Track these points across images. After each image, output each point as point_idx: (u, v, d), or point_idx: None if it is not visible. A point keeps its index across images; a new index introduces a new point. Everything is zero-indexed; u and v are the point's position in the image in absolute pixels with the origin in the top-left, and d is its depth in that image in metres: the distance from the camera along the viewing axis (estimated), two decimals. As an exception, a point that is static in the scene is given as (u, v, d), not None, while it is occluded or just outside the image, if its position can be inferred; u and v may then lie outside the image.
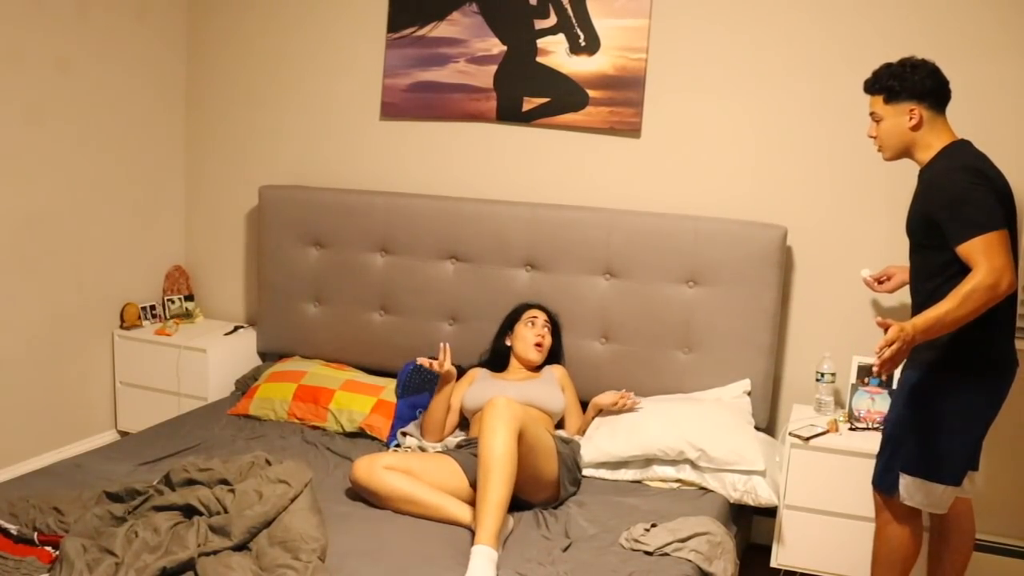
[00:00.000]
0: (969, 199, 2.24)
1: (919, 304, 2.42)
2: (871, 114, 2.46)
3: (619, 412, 3.02)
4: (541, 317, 3.20)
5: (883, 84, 2.39)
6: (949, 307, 2.20)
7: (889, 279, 2.86)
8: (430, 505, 2.52)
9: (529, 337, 3.15)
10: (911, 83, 2.35)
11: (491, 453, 2.41)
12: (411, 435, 3.09)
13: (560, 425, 3.11)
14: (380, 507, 2.56)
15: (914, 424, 2.40)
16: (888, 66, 2.41)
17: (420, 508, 2.51)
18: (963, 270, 2.25)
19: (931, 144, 2.37)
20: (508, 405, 2.49)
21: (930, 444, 2.39)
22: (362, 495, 2.61)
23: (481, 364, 3.28)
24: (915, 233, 2.42)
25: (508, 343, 3.21)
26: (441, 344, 3.02)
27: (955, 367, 2.34)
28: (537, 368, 3.18)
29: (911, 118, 2.36)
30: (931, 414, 2.37)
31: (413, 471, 2.60)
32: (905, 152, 2.43)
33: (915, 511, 2.47)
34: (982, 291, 2.18)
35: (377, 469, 2.58)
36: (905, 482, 2.43)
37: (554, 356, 3.22)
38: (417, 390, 3.30)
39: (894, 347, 2.15)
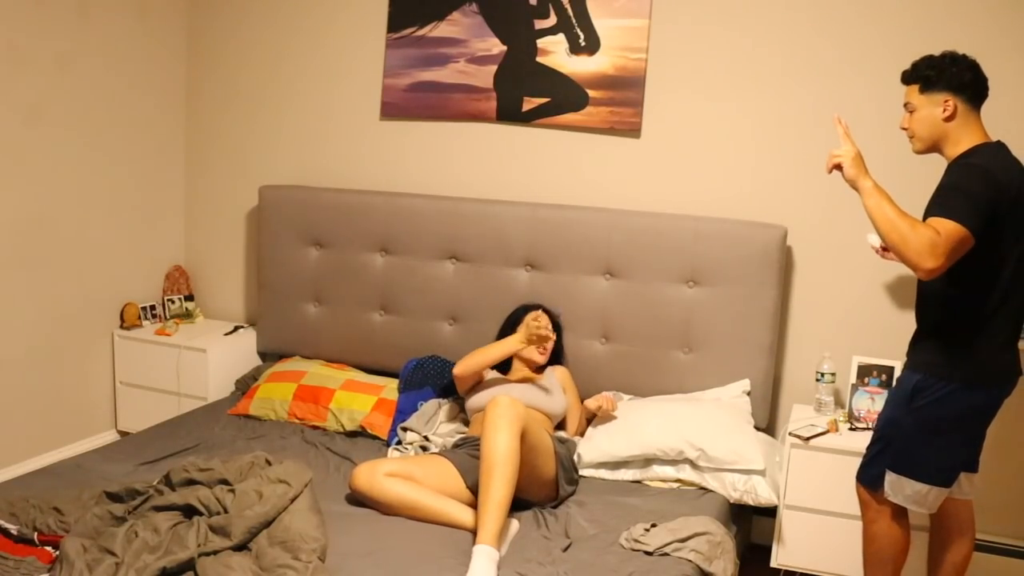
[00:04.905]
0: (965, 192, 2.23)
1: (925, 295, 2.43)
2: (905, 104, 2.42)
3: (605, 415, 3.01)
4: (545, 319, 3.20)
5: (920, 73, 2.37)
6: (892, 211, 2.21)
7: None
8: (433, 511, 2.50)
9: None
10: (949, 74, 2.32)
11: (494, 452, 2.40)
12: (412, 430, 3.09)
13: (561, 426, 3.11)
14: (382, 513, 2.54)
15: (907, 425, 2.39)
16: (929, 57, 2.38)
17: (423, 514, 2.50)
18: (973, 264, 2.25)
19: (961, 140, 2.34)
20: (512, 405, 2.49)
21: (919, 445, 2.38)
22: (364, 503, 2.59)
23: None
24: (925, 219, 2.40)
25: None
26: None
27: (955, 376, 2.33)
28: (539, 369, 3.18)
29: (945, 109, 2.33)
30: (925, 417, 2.36)
31: (414, 476, 2.59)
32: (936, 145, 2.39)
33: (901, 508, 2.47)
34: (912, 240, 2.15)
35: (378, 477, 2.55)
36: (891, 478, 2.43)
37: (555, 357, 3.22)
38: (419, 385, 3.32)
39: (833, 162, 2.36)
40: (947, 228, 2.18)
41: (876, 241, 2.79)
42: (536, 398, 2.98)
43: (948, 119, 2.34)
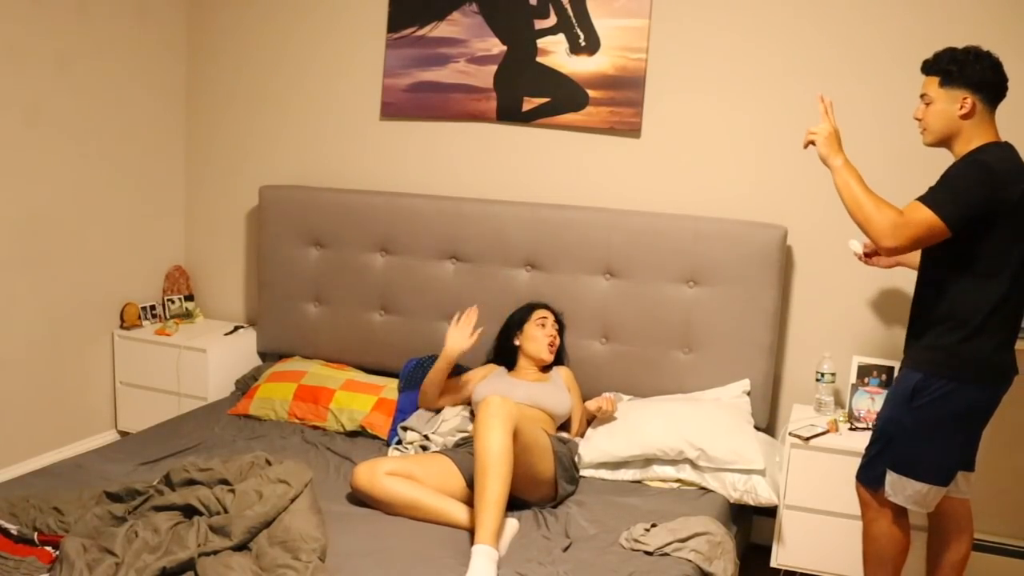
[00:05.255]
0: (957, 185, 2.24)
1: (924, 294, 2.43)
2: (922, 96, 2.39)
3: (605, 416, 3.02)
4: (551, 318, 3.20)
5: (942, 66, 2.34)
6: (860, 190, 2.29)
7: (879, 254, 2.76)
8: (433, 510, 2.51)
9: (541, 338, 3.14)
10: (971, 71, 2.30)
11: (487, 451, 2.40)
12: (412, 429, 3.09)
13: (565, 427, 3.11)
14: (383, 513, 2.55)
15: (906, 424, 2.39)
16: (952, 50, 2.35)
17: (423, 513, 2.51)
18: (973, 263, 2.26)
19: (972, 139, 2.32)
20: (503, 404, 2.49)
21: (919, 444, 2.38)
22: (364, 502, 2.60)
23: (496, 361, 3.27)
24: None
25: (517, 342, 3.20)
26: (469, 312, 3.13)
27: (955, 374, 2.33)
28: (545, 369, 3.18)
29: (962, 106, 2.31)
30: (924, 416, 2.36)
31: (415, 475, 2.59)
32: (947, 140, 2.37)
33: (901, 508, 2.47)
34: (875, 219, 2.24)
35: (379, 476, 2.56)
36: (891, 478, 2.43)
37: (557, 357, 3.22)
38: (419, 385, 3.31)
39: (808, 138, 2.41)
40: (916, 214, 2.22)
41: (858, 247, 2.82)
42: (543, 398, 2.98)
43: (964, 116, 2.32)
